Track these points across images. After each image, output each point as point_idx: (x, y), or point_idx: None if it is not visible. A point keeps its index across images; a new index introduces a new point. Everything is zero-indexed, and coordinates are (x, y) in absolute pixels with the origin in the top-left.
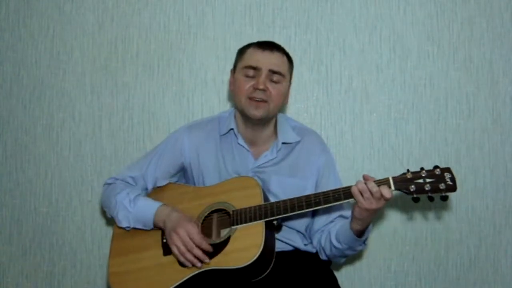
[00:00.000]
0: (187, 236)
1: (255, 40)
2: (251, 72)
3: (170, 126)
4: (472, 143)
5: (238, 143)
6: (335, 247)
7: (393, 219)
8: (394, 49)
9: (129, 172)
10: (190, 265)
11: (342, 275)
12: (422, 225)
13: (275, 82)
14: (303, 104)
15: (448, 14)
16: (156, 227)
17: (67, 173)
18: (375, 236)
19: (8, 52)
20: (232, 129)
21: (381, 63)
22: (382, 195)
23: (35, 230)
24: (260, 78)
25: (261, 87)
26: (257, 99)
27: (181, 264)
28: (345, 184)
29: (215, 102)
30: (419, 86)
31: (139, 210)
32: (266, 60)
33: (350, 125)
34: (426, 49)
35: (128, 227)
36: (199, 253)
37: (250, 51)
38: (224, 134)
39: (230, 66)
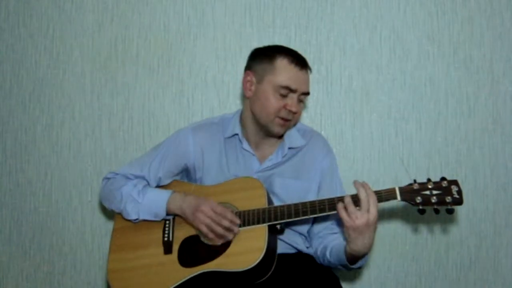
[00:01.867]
0: (211, 211)
1: (254, 40)
2: (285, 92)
3: (170, 126)
4: (472, 143)
5: (243, 148)
6: (328, 261)
7: (393, 219)
8: (394, 49)
9: (131, 170)
10: (221, 241)
11: (342, 275)
12: (422, 225)
13: (301, 101)
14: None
15: (448, 14)
16: (169, 214)
17: (67, 173)
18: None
19: (8, 52)
20: (236, 134)
21: (381, 63)
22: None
23: (35, 230)
24: (294, 101)
25: (295, 110)
26: (285, 119)
27: (182, 264)
28: (345, 184)
29: (215, 102)
30: (419, 86)
31: (149, 200)
32: (303, 82)
33: (350, 125)
34: (426, 49)
35: (137, 219)
36: (227, 223)
37: (284, 65)
38: (229, 137)
39: (230, 66)
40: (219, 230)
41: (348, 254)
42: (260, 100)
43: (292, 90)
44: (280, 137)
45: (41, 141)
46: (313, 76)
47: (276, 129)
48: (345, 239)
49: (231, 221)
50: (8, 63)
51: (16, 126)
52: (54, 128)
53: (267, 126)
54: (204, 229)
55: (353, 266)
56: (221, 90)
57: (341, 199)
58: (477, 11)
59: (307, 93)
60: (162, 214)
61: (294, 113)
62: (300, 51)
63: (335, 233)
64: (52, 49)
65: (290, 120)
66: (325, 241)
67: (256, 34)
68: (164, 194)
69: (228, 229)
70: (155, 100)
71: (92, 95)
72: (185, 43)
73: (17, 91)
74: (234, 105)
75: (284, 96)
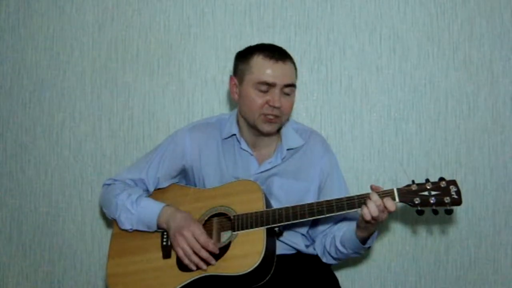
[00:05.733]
0: (192, 238)
1: (255, 40)
2: (265, 88)
3: (170, 126)
4: (472, 143)
5: (241, 148)
6: (340, 251)
7: (393, 219)
8: (394, 49)
9: (129, 174)
10: (195, 268)
11: (342, 275)
12: (422, 225)
13: (287, 94)
14: (303, 104)
15: (448, 14)
16: (159, 228)
17: (67, 173)
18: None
19: (8, 52)
20: (234, 134)
21: (381, 63)
22: (385, 208)
23: (35, 230)
24: (275, 95)
25: (277, 105)
26: (271, 117)
27: (181, 268)
28: (348, 184)
29: (215, 102)
30: (419, 86)
31: (142, 211)
32: (280, 74)
33: (350, 125)
34: (426, 49)
35: (131, 229)
36: (205, 255)
37: (259, 61)
38: (226, 138)
39: (230, 66)
40: (195, 259)
41: (360, 237)
42: (245, 101)
43: (270, 84)
44: (277, 132)
45: (41, 141)
46: (313, 76)
47: (265, 128)
48: (358, 225)
49: (211, 252)
50: (9, 63)
51: (16, 126)
52: (54, 128)
53: (255, 126)
54: (180, 253)
55: (367, 245)
56: (221, 90)
57: (339, 201)
58: (477, 11)
59: (291, 85)
60: (153, 227)
61: (278, 107)
62: (300, 51)
63: (336, 223)
64: (52, 49)
65: (277, 116)
66: (331, 233)
67: (256, 34)
68: (156, 207)
69: (204, 261)
70: (155, 100)
71: (92, 95)
72: (185, 43)
73: (17, 91)
74: (234, 105)
75: (265, 92)
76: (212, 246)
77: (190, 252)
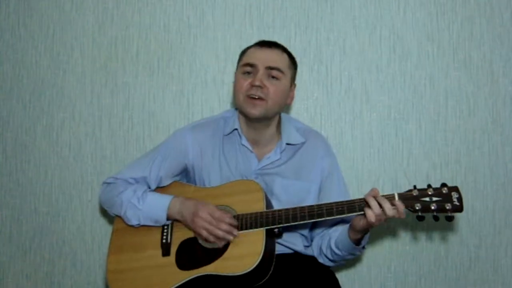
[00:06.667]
0: (210, 216)
1: (255, 40)
2: (248, 69)
3: (170, 126)
4: (472, 143)
5: (242, 144)
6: (335, 253)
7: (393, 219)
8: (394, 49)
9: (130, 173)
10: (221, 245)
11: (342, 275)
12: (422, 225)
13: (274, 79)
14: (303, 104)
15: (448, 14)
16: (171, 220)
17: (67, 173)
18: (374, 236)
19: (8, 52)
20: (236, 129)
21: (381, 63)
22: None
23: (35, 230)
24: (257, 74)
25: (257, 83)
26: (254, 97)
27: (180, 266)
28: (348, 184)
29: (215, 102)
30: (419, 86)
31: (149, 207)
32: (263, 57)
33: (350, 125)
34: (426, 49)
35: (138, 224)
36: (225, 227)
37: (250, 50)
38: (228, 134)
39: (230, 66)
40: (219, 233)
41: (353, 239)
42: (234, 88)
43: (251, 65)
44: (267, 120)
45: (41, 141)
46: (313, 76)
47: (249, 110)
48: (353, 227)
49: (230, 224)
50: (9, 63)
51: (16, 126)
52: (54, 128)
53: (242, 110)
54: (204, 233)
55: (360, 245)
56: (221, 90)
57: (340, 204)
58: (477, 11)
59: (276, 69)
60: (162, 220)
61: (258, 86)
62: (300, 51)
63: (332, 225)
64: (52, 49)
65: (261, 98)
66: (327, 235)
67: (256, 34)
68: (164, 200)
69: (227, 232)
70: (155, 100)
71: (92, 95)
72: (185, 43)
73: (17, 91)
74: (234, 105)
75: (249, 74)
76: (229, 217)
77: (211, 228)
